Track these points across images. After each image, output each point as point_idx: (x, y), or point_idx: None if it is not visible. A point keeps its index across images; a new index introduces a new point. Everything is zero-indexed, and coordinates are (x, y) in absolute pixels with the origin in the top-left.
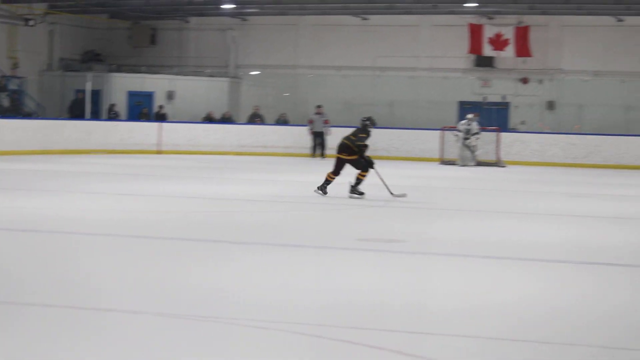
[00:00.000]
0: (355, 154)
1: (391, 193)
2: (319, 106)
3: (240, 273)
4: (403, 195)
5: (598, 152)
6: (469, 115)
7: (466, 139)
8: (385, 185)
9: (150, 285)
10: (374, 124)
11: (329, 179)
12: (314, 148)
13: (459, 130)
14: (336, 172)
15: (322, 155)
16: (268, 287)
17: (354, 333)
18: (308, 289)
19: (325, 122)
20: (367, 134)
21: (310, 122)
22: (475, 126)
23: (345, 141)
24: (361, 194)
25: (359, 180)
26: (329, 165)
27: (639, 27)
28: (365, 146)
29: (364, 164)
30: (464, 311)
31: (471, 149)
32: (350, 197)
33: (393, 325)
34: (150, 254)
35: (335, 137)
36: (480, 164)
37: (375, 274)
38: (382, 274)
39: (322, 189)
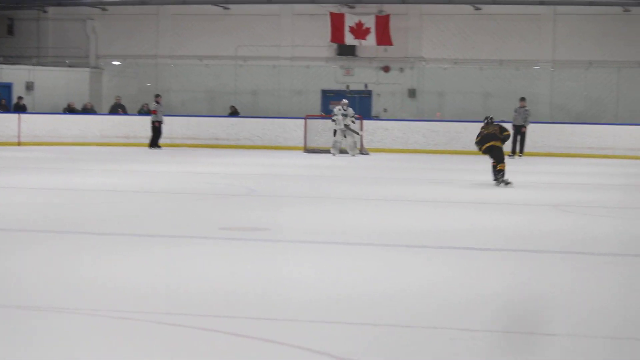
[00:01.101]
0: (500, 140)
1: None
2: (158, 95)
3: (100, 264)
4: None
5: (459, 139)
6: (344, 100)
7: (346, 125)
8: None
9: (9, 278)
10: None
11: (503, 167)
12: (156, 138)
13: (336, 115)
14: (502, 158)
15: (157, 144)
16: (129, 278)
17: (212, 321)
18: (169, 278)
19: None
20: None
21: (154, 112)
22: (351, 111)
23: (492, 131)
24: (508, 182)
25: (501, 171)
26: (150, 154)
27: (496, 14)
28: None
29: (502, 154)
30: (325, 298)
31: (355, 133)
32: (500, 186)
33: (251, 313)
34: (7, 247)
35: (195, 126)
36: (342, 151)
37: (236, 262)
38: (243, 262)
39: (503, 180)
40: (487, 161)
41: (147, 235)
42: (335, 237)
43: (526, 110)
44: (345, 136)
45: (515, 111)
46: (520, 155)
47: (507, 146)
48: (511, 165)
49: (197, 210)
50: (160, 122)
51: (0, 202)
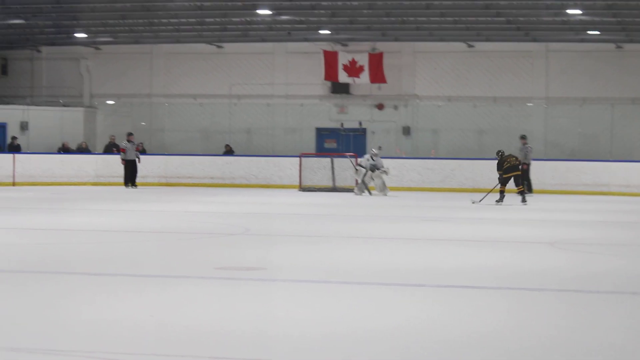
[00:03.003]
0: (520, 169)
1: (479, 201)
2: (130, 134)
3: (94, 305)
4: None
5: (454, 176)
6: (374, 150)
7: (372, 170)
8: (490, 192)
9: (1, 320)
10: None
11: (523, 189)
12: (128, 177)
13: (362, 166)
14: (519, 183)
15: (134, 183)
16: (124, 318)
17: None
18: (164, 319)
19: (137, 149)
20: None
21: (123, 150)
22: (380, 161)
23: (515, 163)
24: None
25: (523, 192)
26: (145, 193)
27: (489, 52)
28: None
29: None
30: (321, 337)
31: (380, 186)
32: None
33: (247, 353)
34: (6, 289)
35: (190, 165)
36: (337, 189)
37: (232, 302)
38: (239, 302)
39: (502, 199)
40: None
41: (141, 275)
42: (331, 275)
43: (527, 147)
44: (372, 178)
45: (520, 150)
46: (528, 194)
47: (510, 184)
48: (505, 203)
49: (192, 249)
50: (127, 161)
51: None
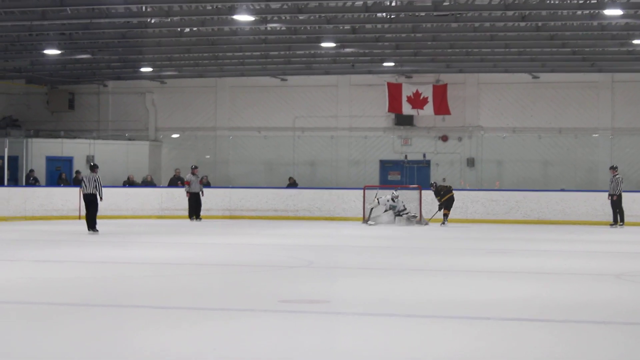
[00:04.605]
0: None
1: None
2: (194, 167)
3: (158, 337)
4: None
5: (518, 208)
6: (395, 193)
7: (395, 211)
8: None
9: (66, 352)
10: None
11: (448, 213)
12: (192, 210)
13: (379, 203)
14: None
15: (198, 216)
16: (188, 351)
17: None
18: (229, 352)
19: (200, 182)
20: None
21: (187, 183)
22: (400, 204)
23: (448, 188)
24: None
25: (447, 215)
26: (209, 226)
27: (554, 83)
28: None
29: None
30: None
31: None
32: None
33: None
34: (64, 320)
35: (254, 198)
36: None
37: (296, 335)
38: (303, 335)
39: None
40: (546, 230)
41: (205, 308)
42: (395, 309)
43: (617, 178)
44: (405, 219)
45: (610, 181)
46: (621, 225)
47: (609, 216)
48: (576, 234)
49: (256, 282)
50: (191, 193)
51: (57, 276)
